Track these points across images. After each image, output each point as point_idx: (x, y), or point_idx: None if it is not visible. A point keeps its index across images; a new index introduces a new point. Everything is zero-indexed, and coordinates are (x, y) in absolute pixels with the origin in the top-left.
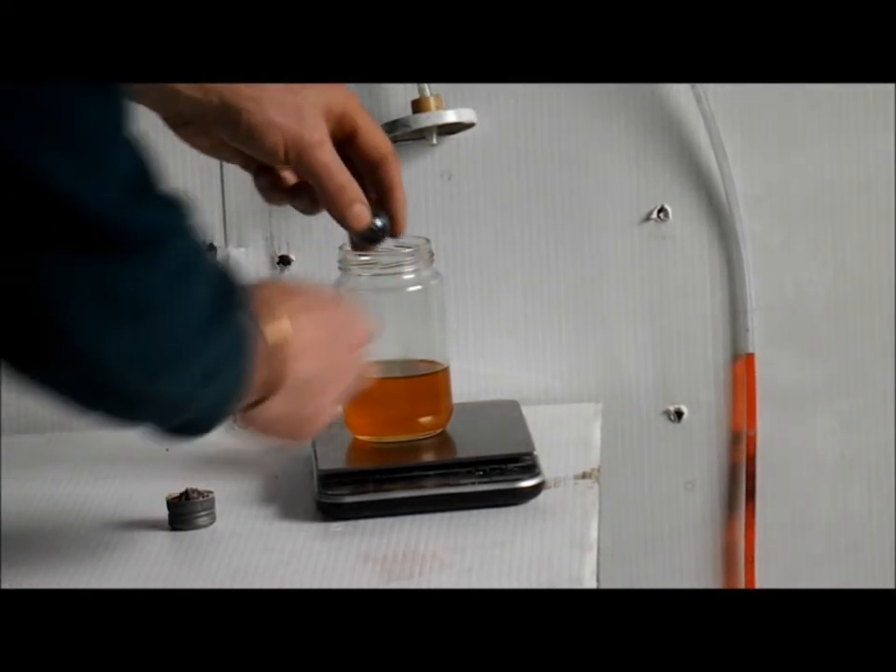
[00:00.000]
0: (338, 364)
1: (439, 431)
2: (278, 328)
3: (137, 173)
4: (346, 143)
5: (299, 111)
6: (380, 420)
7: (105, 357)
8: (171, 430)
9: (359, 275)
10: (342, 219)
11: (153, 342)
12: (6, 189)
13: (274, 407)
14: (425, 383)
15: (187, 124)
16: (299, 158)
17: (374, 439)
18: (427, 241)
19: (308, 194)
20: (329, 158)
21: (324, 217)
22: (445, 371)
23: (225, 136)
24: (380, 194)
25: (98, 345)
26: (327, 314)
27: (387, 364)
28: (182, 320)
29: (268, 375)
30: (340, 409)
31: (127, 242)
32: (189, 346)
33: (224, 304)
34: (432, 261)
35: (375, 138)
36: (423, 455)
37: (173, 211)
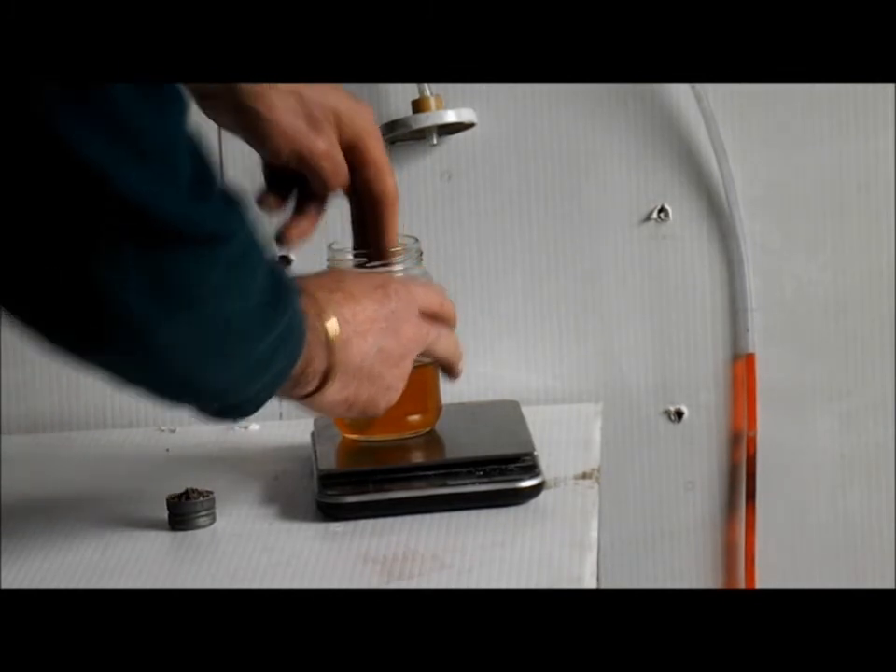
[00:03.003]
0: (390, 345)
1: (427, 430)
2: (324, 322)
3: (198, 172)
4: (351, 170)
5: (310, 118)
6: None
7: (164, 343)
8: (213, 413)
9: None
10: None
11: (209, 328)
12: (78, 193)
13: (332, 394)
14: (412, 381)
15: (214, 97)
16: (300, 162)
17: (362, 437)
18: (416, 240)
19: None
20: (332, 167)
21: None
22: (433, 369)
23: (231, 123)
24: (374, 233)
25: (158, 331)
26: (371, 301)
27: None
28: (237, 310)
29: (318, 366)
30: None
31: (190, 237)
32: (242, 336)
33: (276, 298)
34: (421, 260)
35: (379, 178)
36: (422, 456)
37: (233, 207)
